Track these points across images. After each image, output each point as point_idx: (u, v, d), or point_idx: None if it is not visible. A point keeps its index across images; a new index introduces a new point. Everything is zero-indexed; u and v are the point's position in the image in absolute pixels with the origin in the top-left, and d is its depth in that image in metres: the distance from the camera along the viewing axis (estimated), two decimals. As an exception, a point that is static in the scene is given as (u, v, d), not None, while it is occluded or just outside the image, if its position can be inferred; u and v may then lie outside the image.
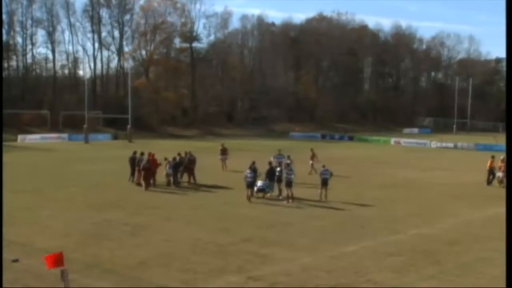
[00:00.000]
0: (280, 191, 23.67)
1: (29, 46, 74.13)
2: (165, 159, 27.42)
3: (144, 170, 26.04)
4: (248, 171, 23.26)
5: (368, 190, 26.53)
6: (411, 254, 15.16)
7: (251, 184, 23.03)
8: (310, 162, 32.32)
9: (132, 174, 27.31)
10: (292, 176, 23.00)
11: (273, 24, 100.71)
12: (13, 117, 61.17)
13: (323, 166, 24.47)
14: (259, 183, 23.70)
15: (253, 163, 24.40)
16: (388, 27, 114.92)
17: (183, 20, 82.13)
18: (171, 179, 26.79)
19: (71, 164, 36.80)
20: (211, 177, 29.45)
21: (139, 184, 26.34)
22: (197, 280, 12.72)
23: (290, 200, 22.59)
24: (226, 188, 26.47)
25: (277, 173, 23.71)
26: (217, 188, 26.67)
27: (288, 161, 26.53)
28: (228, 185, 27.30)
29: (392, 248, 15.72)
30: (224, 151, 34.29)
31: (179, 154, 28.28)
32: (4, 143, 45.93)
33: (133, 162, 27.17)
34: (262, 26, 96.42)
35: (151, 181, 26.27)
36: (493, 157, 29.19)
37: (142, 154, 27.22)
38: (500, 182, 27.56)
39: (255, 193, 23.47)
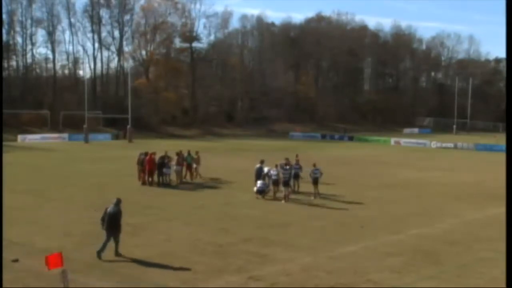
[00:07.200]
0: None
1: (29, 46, 74.26)
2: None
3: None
4: (274, 169, 23.90)
5: (368, 190, 26.52)
6: (411, 254, 15.14)
7: (276, 182, 23.45)
8: (194, 166, 29.27)
9: (143, 172, 27.33)
10: (288, 176, 23.43)
11: (273, 24, 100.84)
12: (13, 117, 61.23)
13: (314, 166, 24.66)
14: (259, 183, 23.76)
15: (262, 162, 25.40)
16: (388, 27, 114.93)
17: (183, 20, 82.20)
18: (160, 178, 27.05)
19: (71, 164, 36.80)
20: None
21: (144, 183, 26.77)
22: (197, 280, 12.72)
23: (287, 198, 22.88)
24: (226, 189, 26.50)
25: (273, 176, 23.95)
26: (217, 188, 26.70)
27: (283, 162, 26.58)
28: (228, 185, 27.35)
29: (392, 248, 15.70)
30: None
31: (177, 153, 28.63)
32: (4, 143, 45.95)
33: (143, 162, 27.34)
34: (261, 26, 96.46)
35: (150, 179, 26.87)
36: (297, 155, 28.84)
37: (146, 154, 27.46)
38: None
39: (255, 194, 23.50)
